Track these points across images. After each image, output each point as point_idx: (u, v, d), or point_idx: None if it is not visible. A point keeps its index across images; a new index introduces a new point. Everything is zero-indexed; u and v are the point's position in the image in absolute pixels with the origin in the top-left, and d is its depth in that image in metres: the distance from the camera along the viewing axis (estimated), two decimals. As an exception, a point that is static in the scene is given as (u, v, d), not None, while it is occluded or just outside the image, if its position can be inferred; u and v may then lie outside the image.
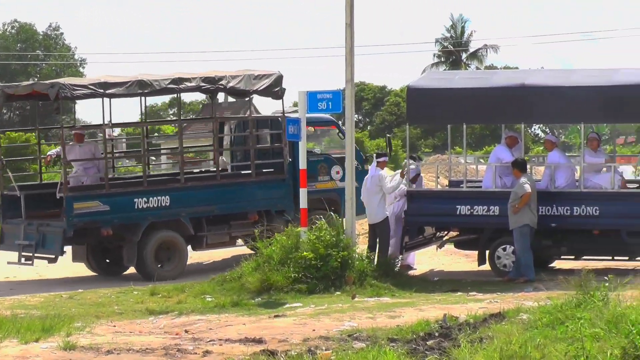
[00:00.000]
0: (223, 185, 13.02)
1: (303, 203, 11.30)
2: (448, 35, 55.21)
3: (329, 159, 14.48)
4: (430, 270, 13.71)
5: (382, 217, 11.99)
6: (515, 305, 9.61)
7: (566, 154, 13.32)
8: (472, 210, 12.39)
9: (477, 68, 51.36)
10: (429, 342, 8.13)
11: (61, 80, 12.60)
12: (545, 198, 11.94)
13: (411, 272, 13.03)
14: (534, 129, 46.24)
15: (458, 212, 12.41)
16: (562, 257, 12.72)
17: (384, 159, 12.34)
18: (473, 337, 8.13)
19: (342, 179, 13.44)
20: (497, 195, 12.13)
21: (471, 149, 27.91)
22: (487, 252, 12.42)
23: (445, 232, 13.36)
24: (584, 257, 12.33)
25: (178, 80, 13.08)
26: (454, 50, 53.57)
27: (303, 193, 11.40)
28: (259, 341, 8.18)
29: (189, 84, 13.27)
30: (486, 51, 54.24)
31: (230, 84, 13.43)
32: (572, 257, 12.51)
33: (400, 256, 12.62)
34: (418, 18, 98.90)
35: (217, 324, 9.08)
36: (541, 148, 17.65)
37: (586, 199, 11.97)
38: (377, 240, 12.24)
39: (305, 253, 10.47)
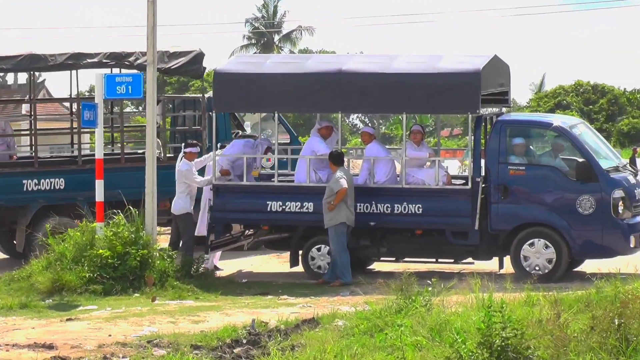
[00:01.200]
0: (127, 169, 14.17)
1: (99, 196, 12.00)
2: (259, 15, 58.44)
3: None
4: (238, 272, 14.83)
5: (182, 209, 13.01)
6: (330, 310, 10.67)
7: (386, 147, 14.93)
8: (283, 207, 13.58)
9: (291, 51, 55.10)
10: (236, 350, 8.87)
11: None
12: (364, 194, 13.34)
13: (217, 273, 14.06)
14: (352, 119, 50.07)
15: (269, 209, 13.57)
16: (381, 258, 14.17)
17: (192, 150, 13.31)
18: (284, 344, 8.97)
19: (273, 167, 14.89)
20: (311, 191, 13.47)
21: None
22: (300, 252, 13.75)
23: (255, 230, 14.50)
24: (406, 259, 13.84)
25: (77, 56, 14.12)
26: (266, 31, 56.68)
27: (99, 185, 12.12)
28: (50, 347, 8.60)
29: (89, 60, 14.41)
30: (301, 33, 58.15)
31: (139, 61, 14.44)
32: (393, 258, 14.01)
33: (206, 256, 13.50)
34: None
35: (3, 327, 9.41)
36: (359, 140, 19.01)
37: (408, 196, 13.44)
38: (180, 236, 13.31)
39: (101, 251, 11.14)
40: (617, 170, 13.66)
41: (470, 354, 7.73)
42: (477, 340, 7.84)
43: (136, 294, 11.96)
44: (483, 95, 13.52)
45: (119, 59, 14.90)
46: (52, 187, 14.01)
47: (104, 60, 14.76)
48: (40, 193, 13.87)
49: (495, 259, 13.82)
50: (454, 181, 14.36)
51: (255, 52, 54.60)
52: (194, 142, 14.31)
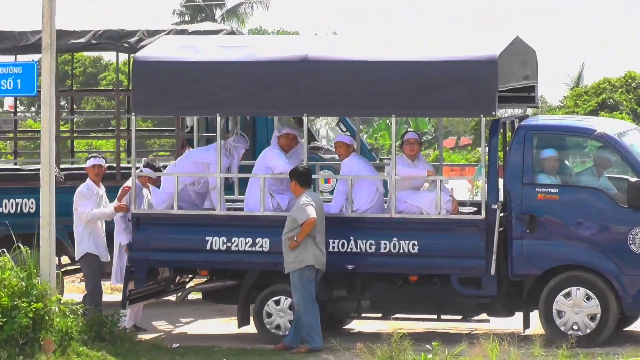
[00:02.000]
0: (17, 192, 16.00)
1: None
2: None
3: None
4: (168, 333, 14.99)
5: (80, 251, 13.64)
6: None
7: (369, 162, 14.71)
8: (229, 244, 13.51)
9: (238, 32, 54.88)
10: None
11: None
12: (339, 227, 13.27)
13: (139, 335, 14.24)
14: (322, 124, 50.68)
15: (209, 246, 13.54)
16: (363, 314, 14.04)
17: (147, 172, 14.14)
18: None
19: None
20: (267, 221, 13.44)
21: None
22: (252, 306, 13.67)
23: (190, 276, 14.69)
24: (397, 316, 13.75)
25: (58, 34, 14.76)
26: (204, 5, 58.32)
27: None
28: None
29: (74, 41, 15.89)
30: (251, 7, 59.98)
31: (144, 43, 15.83)
32: (379, 314, 13.94)
33: (123, 311, 13.68)
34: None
35: None
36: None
37: (400, 229, 13.34)
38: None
39: (-23, 305, 11.32)
40: None
41: None
42: None
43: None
44: (501, 92, 13.28)
45: (115, 39, 15.92)
46: None
47: (94, 42, 15.89)
48: None
49: (519, 315, 13.73)
50: (461, 209, 14.12)
51: (190, 33, 55.17)
52: (152, 161, 14.83)
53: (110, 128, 18.96)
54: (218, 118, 14.15)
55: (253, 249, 13.76)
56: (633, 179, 13.14)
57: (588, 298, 13.15)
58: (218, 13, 59.47)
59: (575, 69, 62.02)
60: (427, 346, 11.65)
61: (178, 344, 14.19)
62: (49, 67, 12.57)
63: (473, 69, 13.56)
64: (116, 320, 13.62)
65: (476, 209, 14.15)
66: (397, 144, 14.16)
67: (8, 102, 17.80)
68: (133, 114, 14.60)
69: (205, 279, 14.75)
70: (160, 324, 15.71)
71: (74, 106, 18.06)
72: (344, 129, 17.61)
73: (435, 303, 13.99)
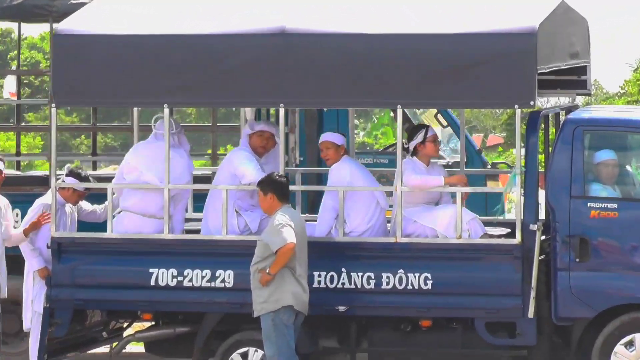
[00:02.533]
0: None
1: None
2: None
3: None
4: None
5: None
6: None
7: (366, 169, 14.18)
8: (180, 278, 12.88)
9: None
10: None
11: None
12: (328, 255, 12.62)
13: None
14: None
15: (153, 281, 12.91)
16: None
17: (69, 181, 13.86)
18: None
19: None
20: (231, 248, 12.87)
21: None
22: None
23: (129, 321, 14.31)
24: None
25: None
26: None
27: None
28: None
29: None
30: None
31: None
32: None
33: None
34: None
35: None
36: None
37: (408, 258, 12.65)
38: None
39: None
40: None
41: None
42: None
43: None
44: (542, 75, 12.58)
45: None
46: None
47: None
48: None
49: None
50: (490, 230, 13.41)
51: None
52: (78, 168, 14.61)
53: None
54: (166, 110, 13.57)
55: (212, 284, 13.02)
56: None
57: None
58: None
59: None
60: None
61: None
62: None
63: (504, 46, 12.78)
64: None
65: (509, 230, 13.42)
66: (404, 142, 13.66)
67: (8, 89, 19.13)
68: (53, 104, 13.90)
69: (149, 325, 14.12)
70: None
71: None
72: (444, 123, 16.92)
73: (455, 356, 13.54)
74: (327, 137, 14.55)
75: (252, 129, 14.09)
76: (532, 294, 12.50)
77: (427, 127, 14.50)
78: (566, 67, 14.27)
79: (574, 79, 14.81)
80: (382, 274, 13.10)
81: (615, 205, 12.90)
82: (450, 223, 13.28)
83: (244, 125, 15.30)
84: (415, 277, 13.05)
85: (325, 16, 14.27)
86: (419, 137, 13.76)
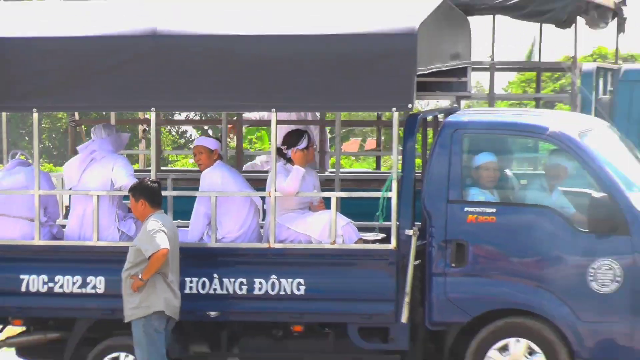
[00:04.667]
0: None
1: None
2: None
3: None
4: None
5: None
6: None
7: (240, 174, 13.47)
8: (51, 284, 12.09)
9: None
10: None
11: None
12: (200, 260, 11.89)
13: None
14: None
15: (24, 287, 12.12)
16: None
17: None
18: None
19: None
20: (103, 254, 12.08)
21: (52, 158, 31.51)
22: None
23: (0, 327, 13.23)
24: None
25: None
26: None
27: None
28: None
29: None
30: None
31: None
32: None
33: None
34: None
35: None
36: (191, 160, 20.46)
37: (280, 264, 11.90)
38: None
39: None
40: None
41: None
42: None
43: None
44: (421, 77, 11.70)
45: None
46: None
47: None
48: None
49: None
50: (364, 235, 12.56)
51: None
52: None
53: None
54: (35, 115, 12.54)
55: (83, 290, 12.06)
56: (597, 195, 11.56)
57: (531, 353, 11.76)
58: None
59: (524, 45, 60.68)
60: None
61: None
62: None
63: (383, 47, 11.72)
64: None
65: (384, 235, 12.34)
66: (279, 146, 12.78)
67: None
68: None
69: (20, 330, 13.11)
70: None
71: None
72: None
73: (327, 358, 12.84)
74: (200, 141, 13.71)
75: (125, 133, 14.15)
76: (406, 299, 11.50)
77: (307, 132, 13.43)
78: (446, 68, 13.24)
79: (455, 81, 13.79)
80: (255, 280, 12.16)
81: (493, 210, 11.85)
82: (324, 229, 12.27)
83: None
84: (288, 282, 12.12)
85: (201, 18, 13.16)
86: (303, 143, 12.66)
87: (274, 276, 11.67)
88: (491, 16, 16.78)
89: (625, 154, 12.79)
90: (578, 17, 16.35)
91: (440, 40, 12.71)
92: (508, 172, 12.36)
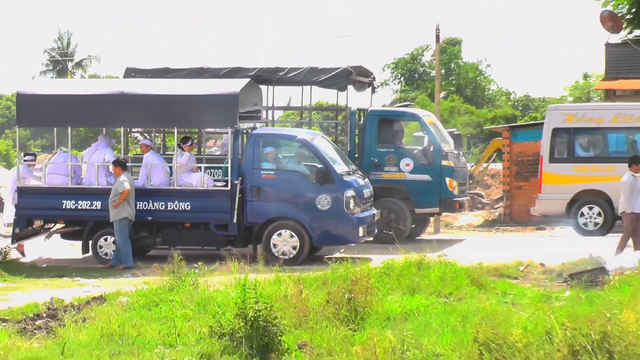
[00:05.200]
0: None
1: None
2: (55, 46, 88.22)
3: (399, 151, 22.47)
4: (39, 258, 20.04)
5: None
6: (115, 289, 14.62)
7: (161, 155, 20.15)
8: (76, 205, 18.90)
9: (82, 76, 77.59)
10: (37, 322, 12.17)
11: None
12: (142, 194, 18.46)
13: (22, 260, 19.42)
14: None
15: (64, 207, 18.87)
16: (157, 247, 19.28)
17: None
18: (77, 317, 12.37)
19: (412, 172, 21.67)
20: (99, 192, 18.67)
21: (76, 149, 37.91)
22: (90, 242, 18.86)
23: (53, 224, 19.64)
24: (178, 247, 17.51)
25: (236, 70, 21.51)
26: (61, 59, 79.98)
27: None
28: None
29: (247, 73, 21.26)
30: (90, 61, 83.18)
31: (289, 75, 21.85)
32: (167, 247, 18.70)
33: (11, 245, 19.16)
34: (27, 30, 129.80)
35: None
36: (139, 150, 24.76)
37: (178, 196, 18.68)
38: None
39: None
40: (349, 174, 19.03)
41: (229, 323, 10.71)
42: (234, 312, 10.78)
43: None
44: (240, 113, 18.67)
45: (271, 72, 21.77)
46: None
47: (259, 74, 21.45)
48: None
49: (250, 247, 18.78)
50: (217, 184, 19.30)
51: (52, 77, 77.93)
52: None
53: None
54: (70, 129, 19.48)
55: (91, 207, 18.89)
56: (319, 165, 18.15)
57: (292, 236, 18.44)
58: (70, 65, 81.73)
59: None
60: (195, 265, 14.78)
61: (45, 264, 19.30)
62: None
63: (224, 99, 18.88)
64: (7, 251, 19.08)
65: (225, 183, 19.04)
66: (177, 144, 19.05)
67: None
68: (17, 126, 19.74)
69: (63, 226, 19.71)
70: (35, 253, 20.51)
71: None
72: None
73: (201, 239, 19.16)
74: (143, 141, 20.71)
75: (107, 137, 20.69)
76: (235, 212, 18.04)
77: (191, 137, 20.18)
78: (252, 109, 19.83)
79: (255, 115, 20.79)
80: (168, 202, 18.70)
81: (273, 172, 18.73)
82: (199, 180, 18.90)
83: None
84: (182, 204, 18.59)
85: (141, 86, 20.93)
86: (189, 142, 19.51)
87: (176, 201, 18.59)
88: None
89: (331, 149, 19.58)
90: (349, 86, 22.66)
91: (248, 97, 19.31)
92: (280, 155, 19.21)
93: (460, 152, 23.47)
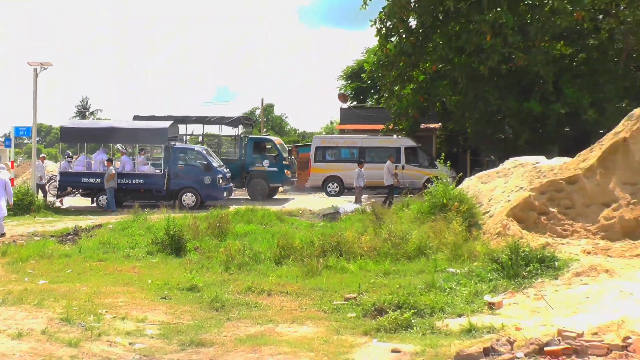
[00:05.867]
0: None
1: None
2: (80, 103, 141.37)
3: (262, 157, 39.13)
4: (70, 206, 34.86)
5: None
6: (106, 221, 25.68)
7: (129, 157, 36.23)
8: (88, 180, 34.10)
9: (98, 118, 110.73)
10: (68, 237, 22.07)
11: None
12: (120, 176, 33.60)
13: (62, 207, 34.05)
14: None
15: (82, 181, 34.42)
16: (127, 201, 34.35)
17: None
18: (88, 234, 22.21)
19: (269, 166, 38.48)
20: (100, 174, 33.70)
21: (90, 153, 44.09)
22: (95, 198, 34.33)
23: (80, 190, 35.22)
24: (137, 201, 32.80)
25: (168, 117, 38.28)
26: (82, 110, 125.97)
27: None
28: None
29: (174, 118, 38.06)
30: (98, 111, 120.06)
31: (209, 119, 40.48)
32: (132, 201, 33.57)
33: (56, 200, 34.78)
34: (61, 94, 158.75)
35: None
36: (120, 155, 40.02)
37: (138, 177, 33.89)
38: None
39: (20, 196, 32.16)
40: (219, 167, 33.51)
41: (161, 237, 18.12)
42: (164, 232, 18.32)
43: (27, 215, 28.49)
44: (169, 137, 34.06)
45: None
46: None
47: (181, 118, 38.37)
48: None
49: (172, 201, 33.03)
50: (157, 171, 33.64)
51: (78, 119, 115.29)
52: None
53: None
54: (86, 144, 35.49)
55: (93, 182, 33.49)
56: (205, 162, 33.92)
57: (192, 195, 32.91)
58: (87, 113, 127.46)
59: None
60: (146, 209, 25.83)
61: (73, 209, 32.85)
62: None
63: (159, 129, 33.81)
64: (54, 203, 33.72)
65: (161, 170, 34.24)
66: (140, 152, 35.05)
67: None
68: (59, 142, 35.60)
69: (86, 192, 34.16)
70: (69, 203, 34.80)
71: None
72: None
73: (148, 197, 33.52)
74: (120, 150, 37.42)
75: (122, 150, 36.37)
76: (165, 185, 33.58)
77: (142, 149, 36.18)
78: (174, 135, 35.78)
79: (176, 137, 35.67)
80: (132, 180, 33.75)
81: (183, 165, 34.55)
82: (151, 169, 34.68)
83: None
84: (138, 180, 33.69)
85: (123, 123, 36.68)
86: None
87: (137, 179, 33.71)
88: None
89: (212, 155, 35.02)
90: (240, 125, 41.21)
91: (172, 129, 35.21)
92: (187, 157, 34.09)
93: (292, 157, 41.36)
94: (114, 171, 33.40)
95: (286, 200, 38.97)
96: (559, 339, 9.25)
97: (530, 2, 35.06)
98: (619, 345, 8.96)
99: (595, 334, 9.69)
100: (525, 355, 8.92)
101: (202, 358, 9.73)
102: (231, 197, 36.70)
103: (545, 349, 8.95)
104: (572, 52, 36.67)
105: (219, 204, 31.42)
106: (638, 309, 10.97)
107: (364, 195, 33.40)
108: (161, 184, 33.97)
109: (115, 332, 11.03)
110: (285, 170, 38.84)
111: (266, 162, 38.89)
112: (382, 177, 34.89)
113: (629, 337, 9.23)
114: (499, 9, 34.19)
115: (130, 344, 10.29)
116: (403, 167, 40.62)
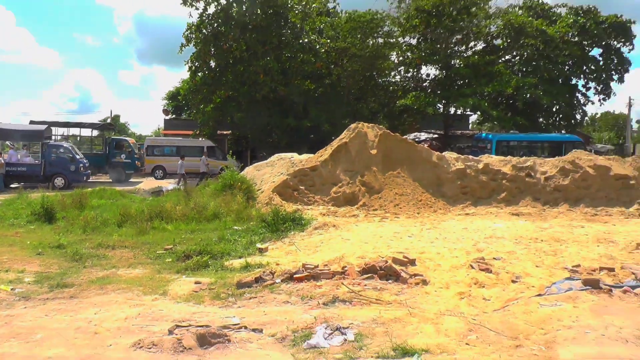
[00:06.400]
0: None
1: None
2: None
3: (120, 152, 35.95)
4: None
5: None
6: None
7: (16, 151, 31.34)
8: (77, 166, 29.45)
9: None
10: None
11: None
12: (8, 165, 27.69)
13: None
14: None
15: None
16: (13, 183, 27.96)
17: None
18: None
19: (125, 159, 35.57)
20: (20, 164, 28.61)
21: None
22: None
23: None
24: (22, 183, 27.10)
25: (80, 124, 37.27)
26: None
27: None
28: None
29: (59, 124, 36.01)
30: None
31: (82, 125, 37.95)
32: (18, 183, 27.48)
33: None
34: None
35: None
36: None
37: (22, 165, 27.79)
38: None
39: None
40: (82, 159, 30.43)
41: (37, 209, 16.33)
42: (40, 205, 16.35)
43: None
44: (45, 137, 29.24)
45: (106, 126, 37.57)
46: None
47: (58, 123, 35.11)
48: None
49: (47, 183, 28.01)
50: (36, 161, 28.37)
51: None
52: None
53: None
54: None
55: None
56: (71, 156, 29.82)
57: (62, 179, 28.11)
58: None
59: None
60: (28, 189, 22.18)
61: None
62: None
63: (38, 131, 30.88)
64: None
65: (39, 161, 29.08)
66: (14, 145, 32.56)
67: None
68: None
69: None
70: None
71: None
72: None
73: (30, 180, 27.99)
74: (8, 145, 31.08)
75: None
76: (43, 169, 30.27)
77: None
78: (48, 135, 32.55)
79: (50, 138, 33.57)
80: (34, 169, 27.93)
81: (55, 157, 31.48)
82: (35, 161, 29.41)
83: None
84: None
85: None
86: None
87: (21, 167, 28.13)
88: None
89: (77, 150, 31.26)
90: (109, 129, 38.98)
91: (47, 131, 31.28)
92: (59, 151, 30.14)
93: (141, 152, 40.61)
94: (2, 161, 29.26)
95: (137, 182, 36.23)
96: (303, 270, 10.03)
97: (288, 55, 36.90)
98: (340, 272, 9.93)
99: (326, 265, 10.50)
100: (281, 280, 9.61)
101: (65, 296, 9.52)
102: (97, 180, 34.94)
103: (295, 276, 9.75)
104: (315, 87, 38.64)
105: (81, 185, 29.63)
106: (352, 249, 12.22)
107: (189, 179, 31.67)
108: (39, 170, 30.19)
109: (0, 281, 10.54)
110: (137, 162, 37.60)
111: (123, 156, 36.97)
112: (195, 167, 35.25)
113: (345, 266, 10.20)
114: (268, 58, 35.65)
115: (12, 289, 9.89)
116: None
